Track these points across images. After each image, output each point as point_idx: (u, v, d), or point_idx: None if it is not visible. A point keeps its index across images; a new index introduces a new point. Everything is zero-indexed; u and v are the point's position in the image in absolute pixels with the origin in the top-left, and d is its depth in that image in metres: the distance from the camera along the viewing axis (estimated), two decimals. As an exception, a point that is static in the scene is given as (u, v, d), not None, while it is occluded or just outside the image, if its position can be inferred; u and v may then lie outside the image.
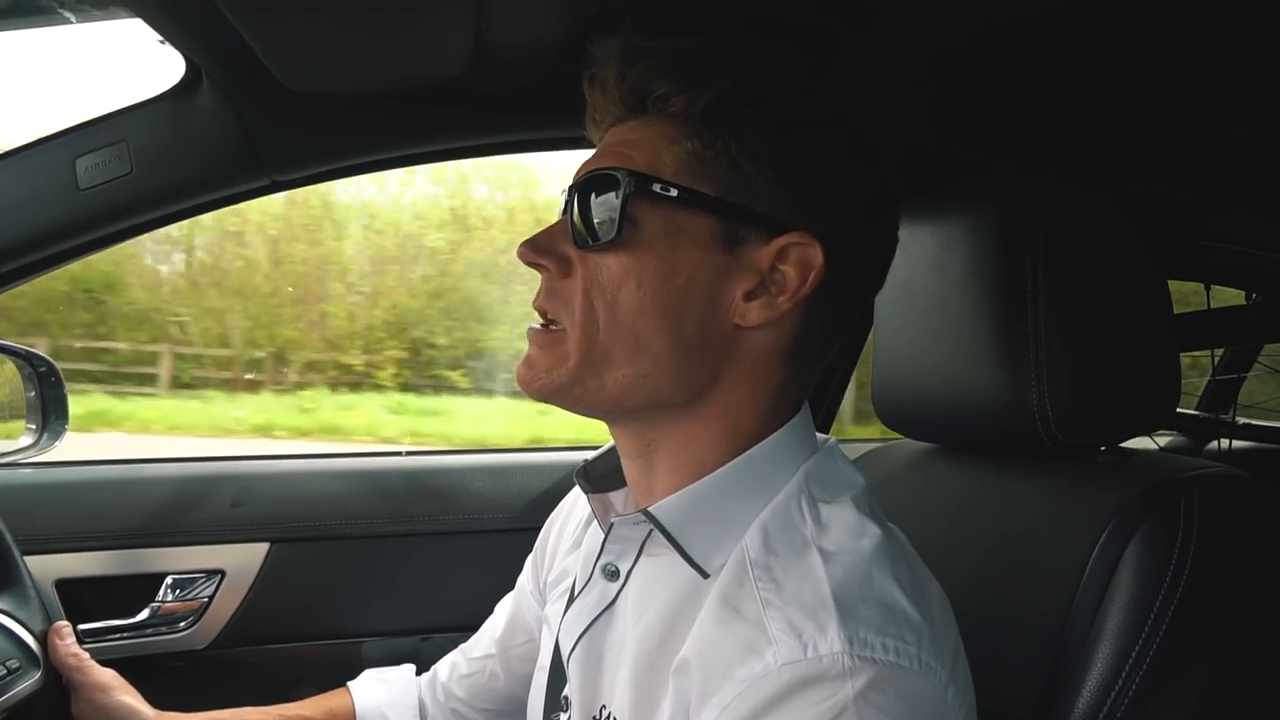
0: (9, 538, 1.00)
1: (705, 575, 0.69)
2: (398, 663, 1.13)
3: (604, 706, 0.75)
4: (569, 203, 0.72)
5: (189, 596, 1.35)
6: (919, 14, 0.93)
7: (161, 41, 0.99)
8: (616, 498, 0.85)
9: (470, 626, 1.12)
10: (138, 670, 1.01)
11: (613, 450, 0.83)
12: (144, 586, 1.34)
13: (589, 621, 0.78)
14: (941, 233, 0.93)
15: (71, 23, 1.03)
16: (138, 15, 0.94)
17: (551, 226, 0.75)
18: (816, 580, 0.63)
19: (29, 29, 1.07)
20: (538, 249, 0.73)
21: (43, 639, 0.96)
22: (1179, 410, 1.09)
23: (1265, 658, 0.77)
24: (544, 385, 0.72)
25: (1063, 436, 0.83)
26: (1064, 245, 0.84)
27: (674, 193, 0.68)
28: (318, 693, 1.08)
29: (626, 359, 0.70)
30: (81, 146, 1.05)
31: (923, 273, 0.94)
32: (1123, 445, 0.90)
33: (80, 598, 1.30)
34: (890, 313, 1.00)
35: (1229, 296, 1.86)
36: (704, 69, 0.69)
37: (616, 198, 0.68)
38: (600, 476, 0.84)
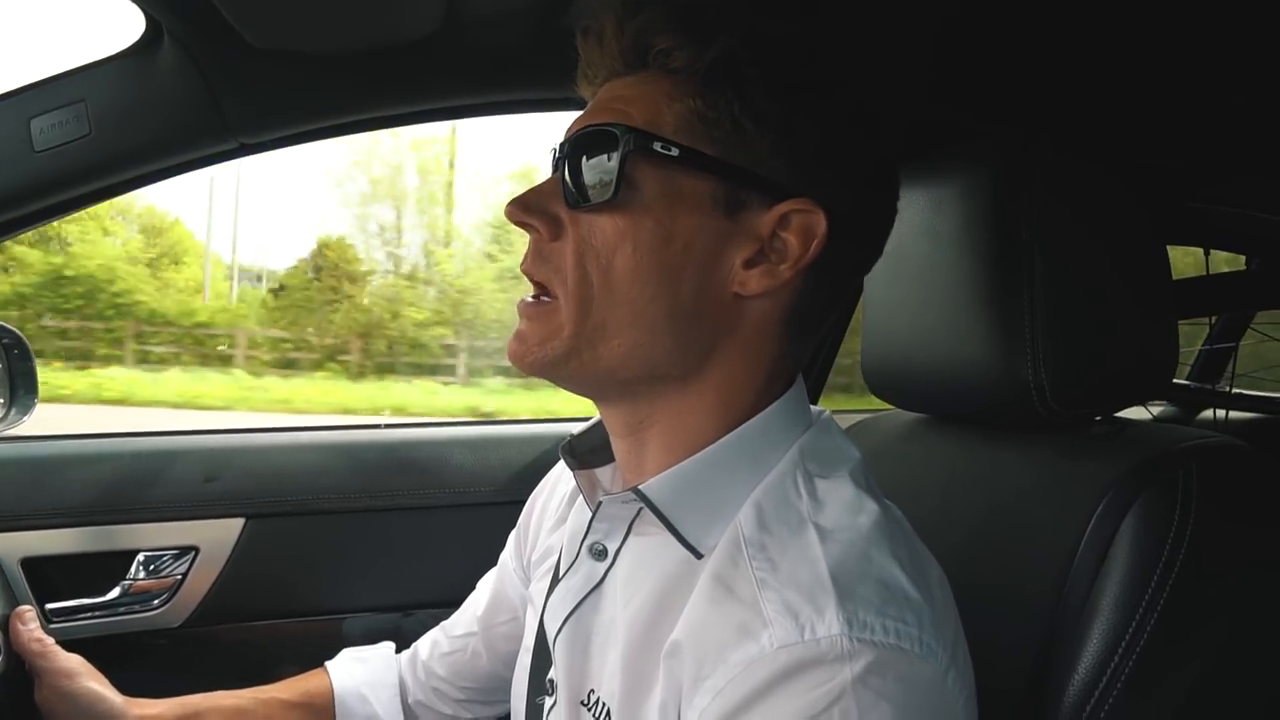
0: None
1: (699, 556, 0.67)
2: (378, 639, 1.11)
3: (592, 691, 0.73)
4: (561, 160, 0.69)
5: (162, 574, 1.32)
6: None
7: (118, -5, 0.94)
8: (603, 474, 0.82)
9: (452, 602, 1.10)
10: (109, 650, 0.99)
11: (599, 425, 0.80)
12: (115, 564, 1.31)
13: (576, 603, 0.76)
14: (934, 198, 0.91)
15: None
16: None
17: (541, 185, 0.71)
18: (813, 559, 0.60)
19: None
20: (526, 208, 0.69)
21: (3, 624, 0.93)
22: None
23: (1264, 634, 0.76)
24: (537, 359, 0.69)
25: (1057, 406, 0.82)
26: (1060, 212, 0.82)
27: (675, 152, 0.65)
28: (297, 671, 1.06)
29: (622, 327, 0.67)
30: (37, 106, 1.00)
31: (914, 238, 0.92)
32: (1117, 415, 0.89)
33: (48, 576, 1.26)
34: (880, 280, 0.97)
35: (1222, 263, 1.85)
36: (709, 24, 0.66)
37: (613, 156, 0.65)
38: (586, 452, 0.82)
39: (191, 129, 1.05)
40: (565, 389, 0.73)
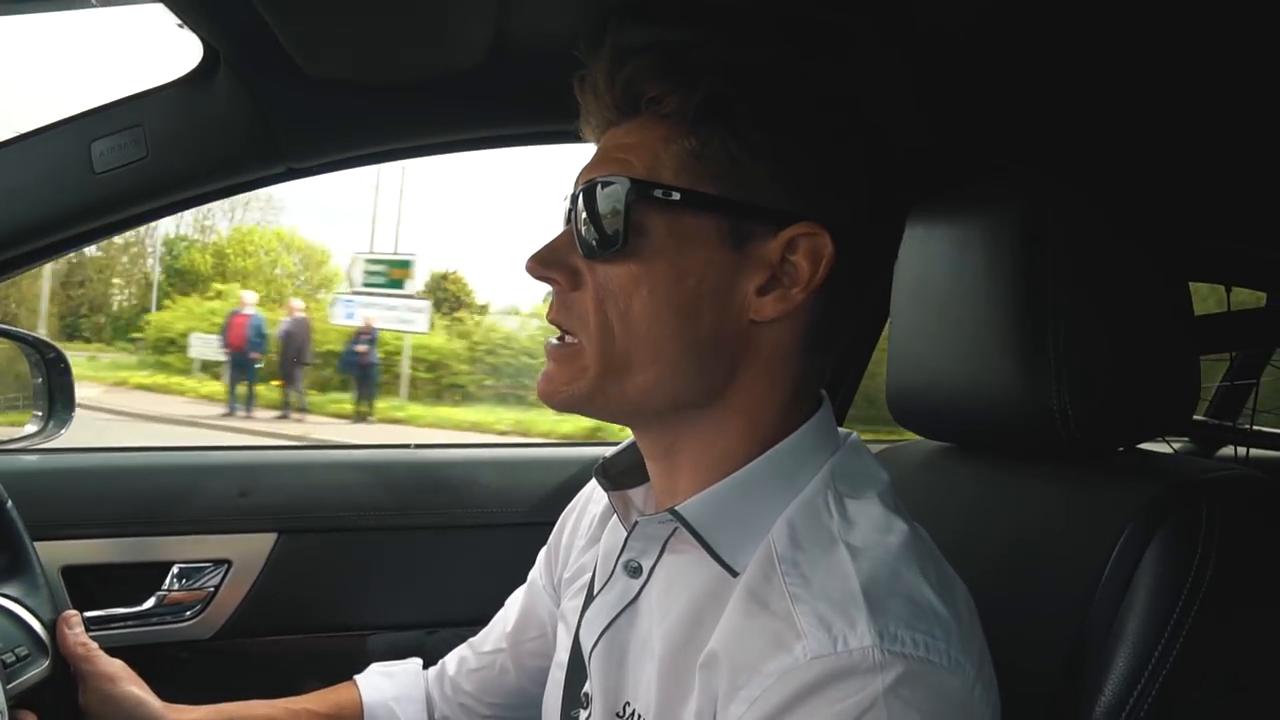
0: (20, 525, 1.00)
1: (735, 574, 0.68)
2: (403, 656, 1.13)
3: (628, 703, 0.74)
4: (572, 212, 0.72)
5: (195, 586, 1.35)
6: (936, 8, 0.92)
7: (180, 25, 0.98)
8: (636, 494, 0.85)
9: (477, 622, 1.11)
10: (142, 659, 1.01)
11: (631, 447, 0.83)
12: (150, 575, 1.33)
13: (611, 618, 0.77)
14: (958, 234, 0.93)
15: (93, 6, 1.03)
16: (157, -1, 0.94)
17: (556, 239, 0.74)
18: (845, 575, 0.62)
19: (50, 11, 1.06)
20: (544, 263, 0.73)
21: (51, 627, 0.95)
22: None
23: None
24: (565, 398, 0.72)
25: (1082, 436, 0.83)
26: (1082, 248, 0.84)
27: (676, 196, 0.67)
28: (322, 685, 1.08)
29: (644, 365, 0.69)
30: (97, 130, 1.04)
31: (939, 273, 0.94)
32: (1139, 447, 0.90)
33: (86, 585, 1.29)
34: (905, 310, 1.00)
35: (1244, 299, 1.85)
36: (694, 67, 0.68)
37: (620, 206, 0.68)
38: (619, 474, 0.84)
39: (243, 154, 1.09)
40: (595, 419, 0.76)
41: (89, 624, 1.16)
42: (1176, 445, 2.31)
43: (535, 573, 1.05)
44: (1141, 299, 0.85)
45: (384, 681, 1.08)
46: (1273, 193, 1.31)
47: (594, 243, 0.69)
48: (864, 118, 0.72)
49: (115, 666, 0.96)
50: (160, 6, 0.94)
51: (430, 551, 1.47)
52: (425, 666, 1.12)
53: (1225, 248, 1.51)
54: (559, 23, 0.95)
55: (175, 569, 1.34)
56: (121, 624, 1.30)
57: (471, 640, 1.10)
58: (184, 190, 1.09)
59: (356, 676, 1.08)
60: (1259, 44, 0.96)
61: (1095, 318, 0.83)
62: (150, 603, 1.33)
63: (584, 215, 0.70)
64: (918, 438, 1.09)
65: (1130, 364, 0.84)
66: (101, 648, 0.98)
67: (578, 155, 0.79)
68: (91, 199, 1.05)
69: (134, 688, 0.96)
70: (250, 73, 1.04)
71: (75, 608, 1.00)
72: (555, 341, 0.74)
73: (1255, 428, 2.15)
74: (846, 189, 0.70)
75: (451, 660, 1.10)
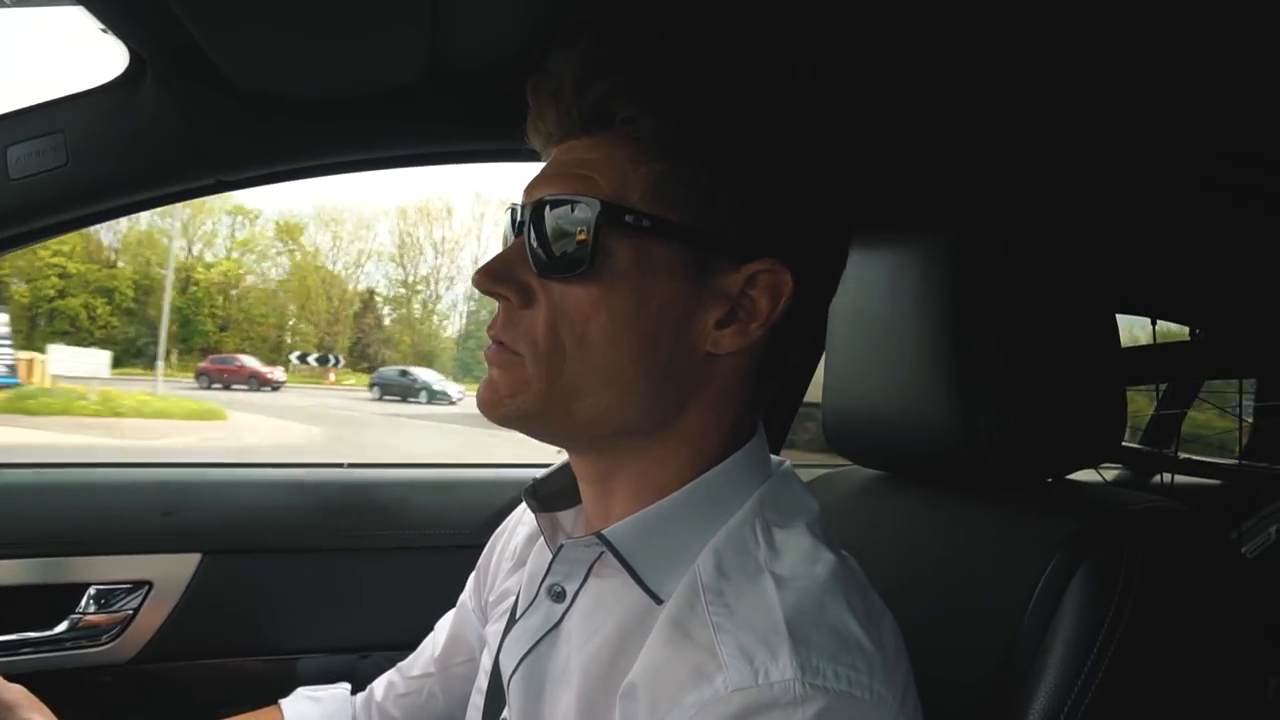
0: None
1: (659, 601, 0.67)
2: (334, 680, 1.10)
3: None
4: (524, 225, 0.69)
5: (113, 608, 1.30)
6: (873, 45, 0.94)
7: (104, 31, 0.95)
8: (565, 517, 0.83)
9: (409, 645, 1.09)
10: (55, 685, 0.97)
11: (564, 469, 0.81)
12: (64, 597, 1.28)
13: (532, 643, 0.76)
14: (895, 260, 0.94)
15: (5, 5, 0.99)
16: (79, 2, 0.91)
17: (507, 252, 0.71)
18: (769, 606, 0.61)
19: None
20: (495, 277, 0.69)
21: None
22: (1124, 444, 1.11)
23: (1202, 696, 0.78)
24: (508, 412, 0.69)
25: (1010, 467, 0.84)
26: (1014, 278, 0.85)
27: (646, 224, 0.65)
28: (249, 710, 1.04)
29: (596, 389, 0.67)
30: (14, 135, 1.00)
31: (875, 299, 0.94)
32: (1069, 478, 0.91)
33: None
34: (842, 338, 1.00)
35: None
36: (673, 91, 0.67)
37: (585, 227, 0.65)
38: (549, 495, 0.82)
39: (169, 164, 1.05)
40: (536, 439, 0.73)
41: (-6, 649, 1.11)
42: (1112, 472, 2.37)
43: (465, 595, 1.03)
44: (1069, 331, 0.87)
45: (310, 707, 1.05)
46: (1197, 230, 1.35)
47: (553, 262, 0.67)
48: (830, 156, 0.72)
49: (15, 693, 0.92)
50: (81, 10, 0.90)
51: (363, 574, 1.44)
52: (355, 691, 1.09)
53: (1153, 281, 1.55)
54: (494, 44, 0.94)
55: (91, 590, 1.29)
56: (31, 649, 1.25)
57: (400, 665, 1.07)
58: (106, 200, 1.05)
59: (281, 700, 1.05)
60: (1183, 82, 0.99)
61: (1024, 349, 0.84)
62: (63, 626, 1.28)
63: (541, 231, 0.67)
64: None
65: (1058, 395, 0.85)
66: (10, 673, 0.93)
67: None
68: (6, 206, 1.01)
69: (36, 715, 0.91)
70: (178, 82, 1.01)
71: None
72: (497, 345, 0.70)
73: (1184, 456, 2.21)
74: (809, 229, 0.70)
75: (379, 686, 1.07)
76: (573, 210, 0.66)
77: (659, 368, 0.68)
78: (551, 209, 0.67)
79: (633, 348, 0.67)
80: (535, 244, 0.68)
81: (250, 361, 24.91)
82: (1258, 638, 0.79)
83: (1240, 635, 0.79)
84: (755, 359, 0.70)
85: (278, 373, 24.70)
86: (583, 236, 0.65)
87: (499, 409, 0.69)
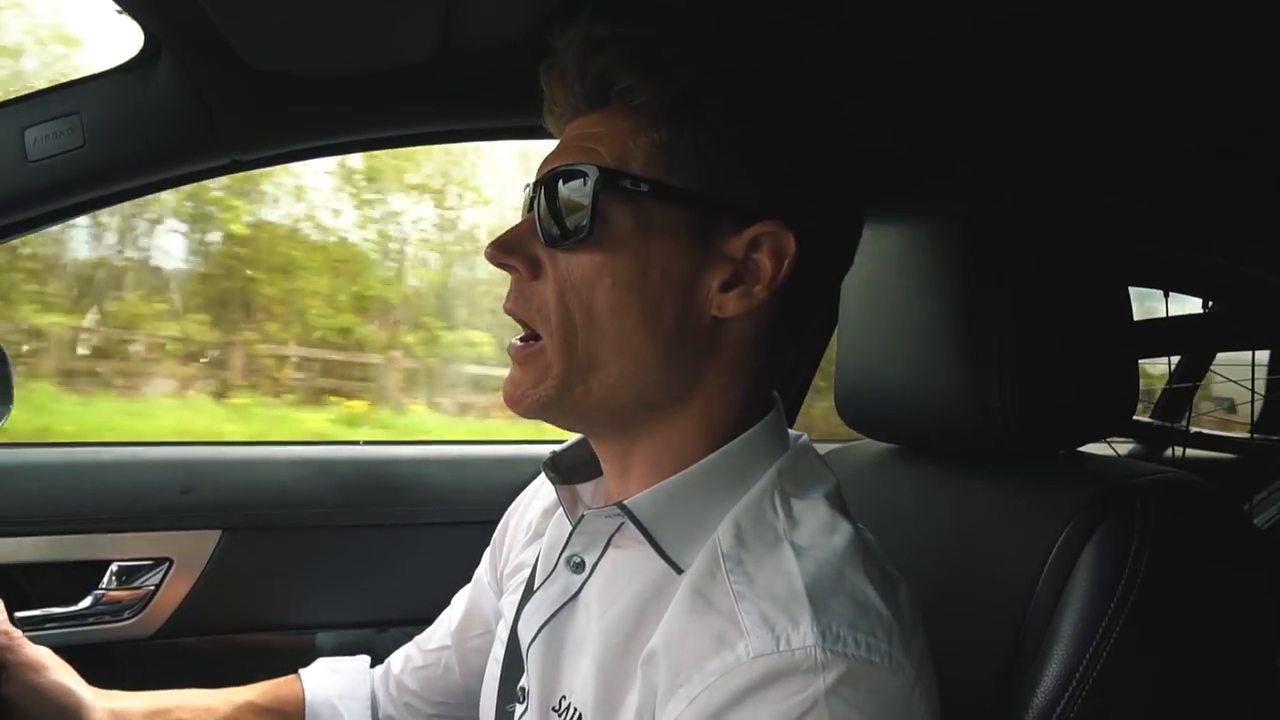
0: None
1: (679, 571, 0.68)
2: (351, 654, 1.12)
3: (564, 697, 0.74)
4: (534, 200, 0.71)
5: (135, 585, 1.32)
6: (886, 16, 0.93)
7: (119, 12, 0.95)
8: (584, 490, 0.84)
9: (426, 620, 1.10)
10: (78, 659, 0.98)
11: (582, 442, 0.82)
12: (87, 573, 1.31)
13: (551, 612, 0.77)
14: (907, 234, 0.94)
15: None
16: (94, -17, 0.91)
17: (518, 226, 0.73)
18: (789, 574, 0.62)
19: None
20: (505, 249, 0.71)
21: None
22: (1135, 418, 1.11)
23: (1211, 665, 0.78)
24: (532, 402, 0.71)
25: (1023, 439, 0.84)
26: (1027, 252, 0.85)
27: (644, 188, 0.67)
28: None
29: (608, 359, 0.69)
30: (31, 117, 1.01)
31: (887, 273, 0.95)
32: (1080, 450, 0.91)
33: (17, 584, 1.26)
34: (854, 312, 1.00)
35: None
36: (669, 60, 0.68)
37: (586, 194, 0.67)
38: (568, 468, 0.83)
39: (185, 144, 1.06)
40: (560, 426, 0.75)
41: (20, 625, 1.13)
42: (1125, 446, 2.37)
43: (480, 569, 1.04)
44: (1082, 304, 0.87)
45: (329, 678, 1.07)
46: (1210, 201, 1.34)
47: (557, 231, 0.68)
48: (832, 118, 0.72)
49: (42, 654, 0.94)
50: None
51: (378, 549, 1.46)
52: (373, 665, 1.10)
53: (1165, 254, 1.54)
54: (506, 20, 0.94)
55: (114, 567, 1.31)
56: (56, 624, 1.27)
57: (417, 638, 1.09)
58: (123, 180, 1.06)
59: (301, 670, 1.07)
60: (1198, 58, 0.98)
61: (1036, 322, 0.84)
62: (87, 602, 1.30)
63: (548, 203, 0.69)
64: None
65: (1070, 369, 0.85)
66: None
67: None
68: (24, 188, 1.02)
69: (62, 676, 0.93)
70: (192, 62, 1.01)
71: (6, 608, 0.97)
72: (518, 342, 0.73)
73: (1195, 429, 2.21)
74: (813, 189, 0.70)
75: (397, 659, 1.09)
76: (575, 180, 0.68)
77: (666, 332, 0.69)
78: (554, 180, 0.69)
79: (639, 313, 0.68)
80: (542, 216, 0.69)
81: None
82: (1268, 608, 0.80)
83: (1251, 605, 0.80)
84: (764, 326, 0.71)
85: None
86: (584, 204, 0.67)
87: (523, 401, 0.71)
